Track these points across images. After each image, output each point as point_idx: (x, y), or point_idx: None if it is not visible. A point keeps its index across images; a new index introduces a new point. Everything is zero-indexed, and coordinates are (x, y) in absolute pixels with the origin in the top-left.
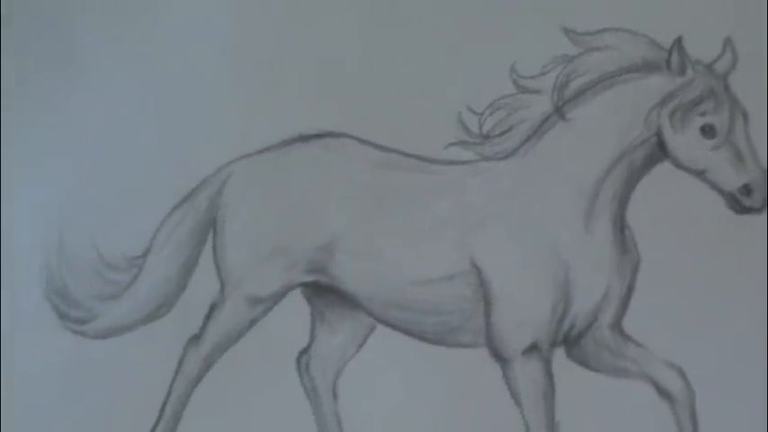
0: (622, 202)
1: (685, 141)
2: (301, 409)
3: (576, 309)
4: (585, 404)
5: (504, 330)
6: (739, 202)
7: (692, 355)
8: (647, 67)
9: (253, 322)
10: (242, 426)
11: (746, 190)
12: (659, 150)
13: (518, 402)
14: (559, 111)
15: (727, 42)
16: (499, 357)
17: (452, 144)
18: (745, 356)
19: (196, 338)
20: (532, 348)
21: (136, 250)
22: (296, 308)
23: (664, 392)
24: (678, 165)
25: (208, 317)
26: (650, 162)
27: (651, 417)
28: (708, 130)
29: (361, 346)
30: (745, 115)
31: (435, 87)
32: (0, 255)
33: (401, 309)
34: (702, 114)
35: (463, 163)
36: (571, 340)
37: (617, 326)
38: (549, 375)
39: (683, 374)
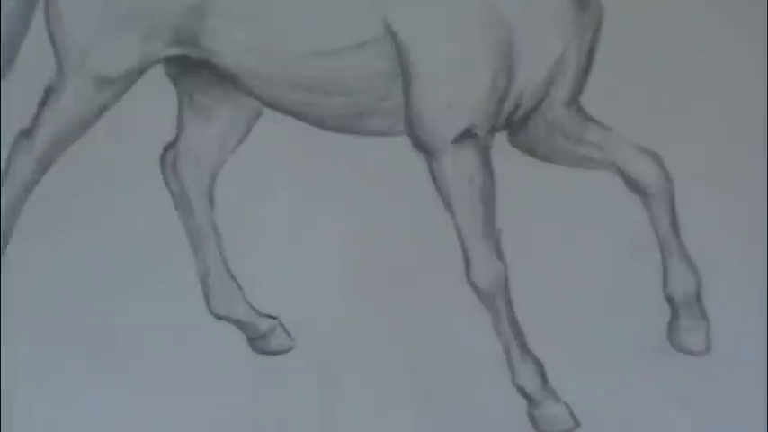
0: None
1: None
2: (167, 219)
3: (522, 81)
4: (534, 203)
5: (428, 113)
6: None
7: (669, 139)
8: None
9: (101, 110)
10: (91, 242)
11: None
12: None
13: (448, 205)
14: None
15: None
16: (423, 148)
17: None
18: (731, 141)
19: (27, 133)
20: (466, 135)
21: None
22: (157, 90)
23: (635, 185)
24: None
25: (42, 104)
26: None
27: (618, 216)
28: None
29: (243, 137)
30: None
31: None
32: None
33: (295, 88)
34: None
35: None
36: (516, 123)
37: (574, 102)
38: (487, 169)
39: (659, 161)
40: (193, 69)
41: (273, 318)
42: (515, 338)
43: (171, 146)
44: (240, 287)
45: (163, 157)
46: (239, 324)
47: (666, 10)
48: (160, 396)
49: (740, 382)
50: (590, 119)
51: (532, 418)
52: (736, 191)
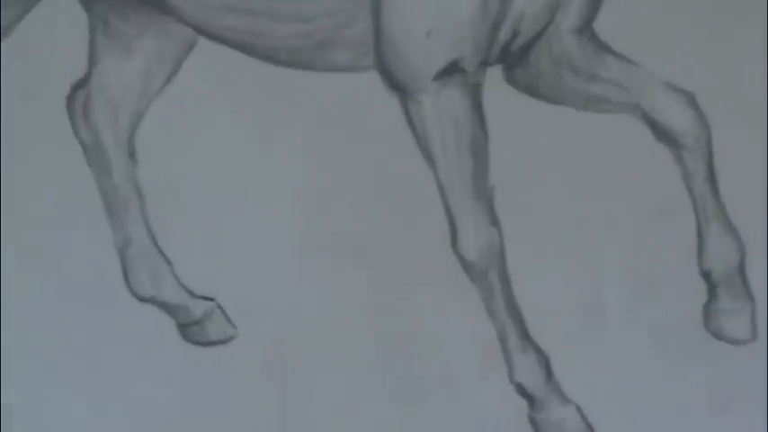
0: None
1: None
2: (77, 177)
3: (521, 2)
4: (536, 155)
5: (404, 42)
6: None
7: (707, 75)
8: None
9: None
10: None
11: None
12: None
13: (429, 157)
14: None
15: None
16: (398, 86)
17: None
18: None
19: None
20: (451, 70)
21: None
22: (64, 14)
23: (664, 133)
24: None
25: None
26: None
27: (642, 171)
28: None
29: (172, 74)
30: None
31: None
32: None
33: (236, 13)
34: None
35: None
36: (513, 56)
37: (587, 29)
38: (477, 113)
39: (693, 103)
40: None
41: (210, 300)
42: (513, 324)
43: (81, 84)
44: (169, 262)
45: (71, 99)
46: (167, 307)
47: None
48: (73, 392)
49: None
50: (607, 49)
51: (534, 423)
52: None
